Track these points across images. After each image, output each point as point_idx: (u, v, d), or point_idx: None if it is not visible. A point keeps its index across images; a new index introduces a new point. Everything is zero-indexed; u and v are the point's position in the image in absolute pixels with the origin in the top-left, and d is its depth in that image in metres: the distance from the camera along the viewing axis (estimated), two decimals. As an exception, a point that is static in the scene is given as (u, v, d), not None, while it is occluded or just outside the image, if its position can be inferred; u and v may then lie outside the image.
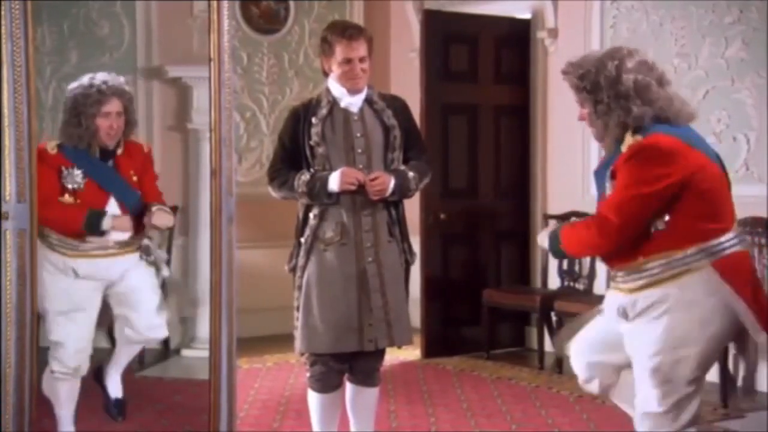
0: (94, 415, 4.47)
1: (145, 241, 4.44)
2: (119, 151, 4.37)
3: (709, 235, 3.24)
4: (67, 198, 4.25)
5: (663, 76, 3.35)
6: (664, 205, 3.21)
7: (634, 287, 3.30)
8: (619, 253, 3.33)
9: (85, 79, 4.31)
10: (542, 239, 3.54)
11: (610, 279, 3.51)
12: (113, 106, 4.29)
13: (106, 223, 4.25)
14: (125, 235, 4.34)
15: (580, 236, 3.39)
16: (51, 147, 4.26)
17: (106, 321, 4.50)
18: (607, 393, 3.59)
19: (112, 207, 4.30)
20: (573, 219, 3.67)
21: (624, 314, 3.34)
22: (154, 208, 4.31)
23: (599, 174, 3.45)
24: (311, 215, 4.01)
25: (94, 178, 4.28)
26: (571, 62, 3.39)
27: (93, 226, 4.23)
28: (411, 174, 4.03)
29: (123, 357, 4.51)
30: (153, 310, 4.43)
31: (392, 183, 3.97)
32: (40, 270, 4.10)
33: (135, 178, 4.38)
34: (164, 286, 5.09)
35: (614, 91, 3.28)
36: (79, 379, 4.32)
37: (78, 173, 4.25)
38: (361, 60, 3.96)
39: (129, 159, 4.39)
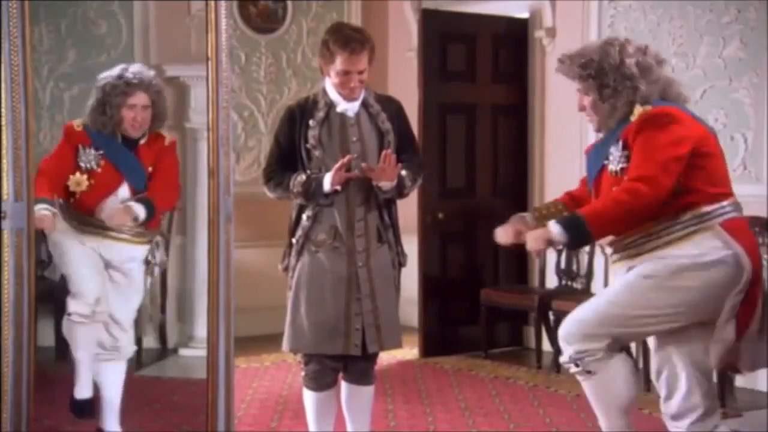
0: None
1: (157, 239, 4.46)
2: (142, 141, 4.41)
3: (714, 198, 3.38)
4: (79, 176, 4.30)
5: (659, 57, 3.54)
6: (689, 158, 3.37)
7: (646, 249, 3.39)
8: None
9: (117, 69, 4.39)
10: (555, 236, 3.43)
11: (612, 253, 3.56)
12: (139, 98, 4.35)
13: (36, 209, 4.17)
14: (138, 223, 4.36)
15: (626, 208, 3.32)
16: (77, 124, 4.37)
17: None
18: (592, 373, 3.58)
19: (123, 191, 4.34)
20: (524, 215, 3.70)
21: (638, 272, 3.43)
22: (119, 206, 4.31)
23: (596, 153, 3.51)
24: (304, 216, 4.01)
25: (111, 159, 4.32)
26: (569, 54, 3.52)
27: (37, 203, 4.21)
28: (404, 172, 4.03)
29: (108, 388, 4.47)
30: (128, 314, 4.44)
31: (401, 172, 3.96)
32: (63, 236, 4.31)
33: (150, 169, 4.41)
34: (164, 284, 5.11)
35: (620, 74, 3.43)
36: (97, 324, 4.35)
37: (94, 153, 4.30)
38: (360, 72, 3.95)
39: (149, 150, 4.43)
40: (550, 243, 3.48)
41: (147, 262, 4.47)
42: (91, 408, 4.45)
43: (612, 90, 3.42)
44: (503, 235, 3.65)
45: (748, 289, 3.39)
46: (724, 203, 3.40)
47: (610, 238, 3.57)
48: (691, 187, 3.36)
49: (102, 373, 4.43)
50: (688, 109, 3.53)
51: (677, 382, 3.52)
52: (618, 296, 3.50)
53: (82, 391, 4.42)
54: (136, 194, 4.35)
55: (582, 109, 3.56)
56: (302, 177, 3.97)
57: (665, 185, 3.31)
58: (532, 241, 3.50)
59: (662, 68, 3.51)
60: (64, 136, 4.40)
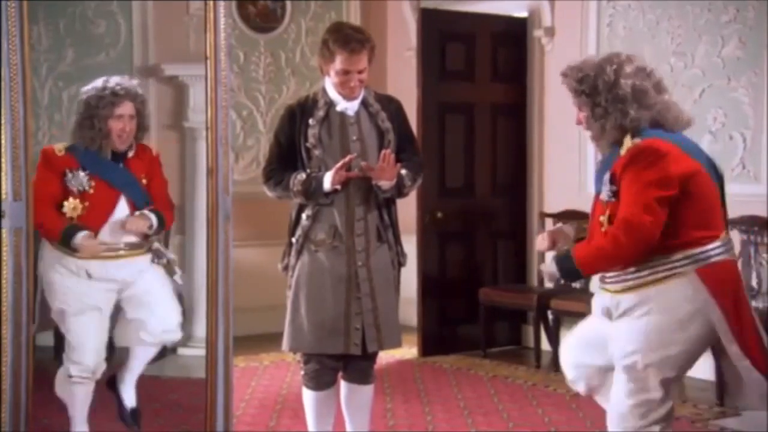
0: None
1: (156, 245, 4.43)
2: (130, 154, 4.34)
3: (697, 242, 3.28)
4: (72, 201, 4.20)
5: (660, 83, 3.39)
6: (675, 198, 3.25)
7: (620, 288, 3.35)
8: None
9: (99, 82, 4.29)
10: (550, 267, 3.46)
11: (599, 280, 3.53)
12: (126, 108, 4.27)
13: (77, 240, 4.13)
14: (135, 237, 4.31)
15: (606, 253, 3.30)
16: (59, 149, 4.24)
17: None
18: (592, 394, 3.61)
19: (122, 207, 4.26)
20: (564, 227, 3.66)
21: (608, 314, 3.40)
22: (135, 213, 4.26)
23: (598, 176, 3.47)
24: (304, 216, 4.01)
25: (104, 177, 4.24)
26: (570, 66, 3.43)
27: (65, 239, 4.15)
28: (404, 171, 4.03)
29: (137, 363, 4.45)
30: (167, 313, 4.39)
31: (401, 171, 3.97)
32: (52, 272, 4.22)
33: (144, 181, 4.35)
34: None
35: (612, 95, 3.31)
36: (94, 382, 4.31)
37: (83, 175, 4.22)
38: (360, 71, 3.95)
39: (139, 161, 4.36)
40: (549, 276, 3.51)
41: (166, 264, 4.42)
42: None
43: (603, 110, 3.32)
44: (541, 242, 3.64)
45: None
46: (710, 246, 3.29)
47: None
48: (675, 231, 3.26)
49: (138, 353, 4.39)
50: (685, 137, 3.39)
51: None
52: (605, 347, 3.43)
53: None
54: (136, 208, 4.28)
55: (578, 123, 3.51)
56: (302, 176, 3.96)
57: (651, 230, 3.23)
58: (545, 269, 3.54)
59: (661, 94, 3.36)
60: (43, 163, 4.17)
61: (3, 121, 3.43)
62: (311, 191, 3.94)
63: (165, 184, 4.48)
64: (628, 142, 3.30)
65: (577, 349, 3.59)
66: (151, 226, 4.28)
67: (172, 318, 4.41)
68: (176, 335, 4.47)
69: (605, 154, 3.41)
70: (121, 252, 4.29)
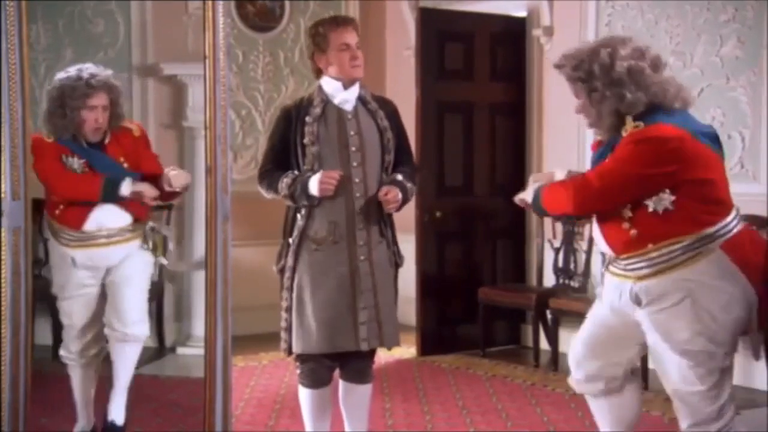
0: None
1: (150, 224, 4.44)
2: (106, 140, 4.35)
3: (714, 218, 3.31)
4: None
5: (657, 60, 3.38)
6: (659, 189, 3.27)
7: (644, 274, 3.33)
8: (627, 241, 3.36)
9: (72, 71, 4.28)
10: (527, 193, 3.55)
11: (608, 265, 3.52)
12: (100, 99, 4.27)
13: (125, 189, 4.22)
14: (126, 221, 4.34)
15: (559, 195, 3.43)
16: (47, 136, 4.27)
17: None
18: (609, 396, 3.58)
19: None
20: (556, 172, 3.70)
21: (637, 301, 3.37)
22: (169, 171, 4.28)
23: (596, 157, 3.49)
24: (299, 215, 4.01)
25: (89, 161, 4.28)
26: (565, 54, 3.43)
27: (109, 194, 4.22)
28: (409, 185, 4.05)
29: (121, 371, 4.43)
30: (134, 305, 4.40)
31: (399, 196, 3.98)
32: (53, 257, 4.35)
33: (126, 165, 4.35)
34: (161, 283, 5.09)
35: (608, 79, 3.31)
36: (91, 367, 4.37)
37: (77, 160, 4.25)
38: (357, 46, 3.98)
39: (117, 146, 4.37)
40: (523, 202, 3.59)
41: (154, 247, 4.42)
42: None
43: (600, 95, 3.32)
44: (521, 195, 3.66)
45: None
46: (727, 220, 3.32)
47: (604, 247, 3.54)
48: (692, 213, 3.28)
49: (117, 353, 4.40)
50: (689, 115, 3.39)
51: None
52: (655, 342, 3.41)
53: (81, 426, 4.41)
54: None
55: (578, 112, 3.51)
56: (288, 179, 3.96)
57: (595, 191, 3.28)
58: (520, 195, 3.61)
59: (660, 72, 3.35)
60: (39, 148, 4.09)
61: (2, 121, 3.43)
62: (297, 195, 3.94)
63: (155, 159, 4.47)
64: (630, 125, 3.31)
65: (597, 348, 3.54)
66: (188, 180, 4.31)
67: (137, 311, 4.41)
68: (138, 329, 4.43)
69: (605, 140, 3.43)
70: (113, 239, 4.32)
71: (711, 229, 3.29)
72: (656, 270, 3.31)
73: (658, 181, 3.26)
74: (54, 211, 4.31)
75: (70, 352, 4.38)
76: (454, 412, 5.32)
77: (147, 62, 6.11)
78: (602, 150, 3.44)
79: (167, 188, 4.29)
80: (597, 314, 3.60)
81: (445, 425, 5.09)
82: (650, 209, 3.28)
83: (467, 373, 6.28)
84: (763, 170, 5.80)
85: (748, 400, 5.45)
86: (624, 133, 3.30)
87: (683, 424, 3.41)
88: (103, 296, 4.40)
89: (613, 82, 3.29)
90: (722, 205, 3.35)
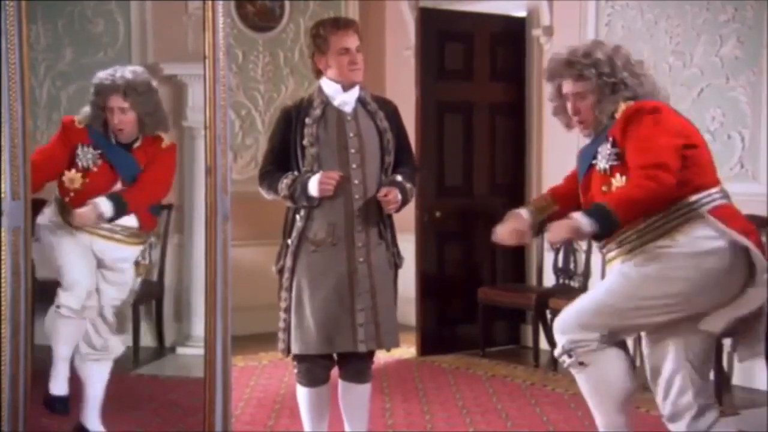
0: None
1: (151, 240, 4.46)
2: (136, 145, 4.40)
3: (701, 187, 3.41)
4: (74, 174, 4.29)
5: (641, 61, 3.63)
6: None
7: (637, 244, 3.42)
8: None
9: (110, 70, 4.37)
10: (583, 226, 3.37)
11: (607, 251, 3.58)
12: (114, 101, 4.31)
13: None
14: (133, 222, 4.36)
15: (647, 192, 3.33)
16: (79, 121, 4.35)
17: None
18: (585, 364, 3.59)
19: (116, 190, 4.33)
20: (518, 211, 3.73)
21: (633, 264, 3.45)
22: (87, 202, 4.28)
23: (585, 154, 3.52)
24: (298, 216, 4.01)
25: (110, 159, 4.31)
26: (568, 53, 3.54)
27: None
28: (408, 186, 4.05)
29: (89, 384, 4.42)
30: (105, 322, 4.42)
31: (399, 197, 3.98)
32: (54, 234, 4.32)
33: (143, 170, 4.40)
34: (161, 283, 5.08)
35: (613, 67, 3.50)
36: (83, 320, 4.33)
37: (92, 153, 4.29)
38: (357, 50, 3.98)
39: (144, 154, 4.41)
40: (577, 233, 3.40)
41: (136, 263, 4.45)
42: (66, 405, 4.38)
43: (619, 82, 3.47)
44: (506, 235, 3.62)
45: None
46: (712, 191, 3.43)
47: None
48: (680, 179, 3.37)
49: (88, 371, 4.38)
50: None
51: (672, 381, 3.52)
52: (614, 287, 3.52)
53: (59, 387, 4.35)
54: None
55: (577, 112, 3.55)
56: (288, 180, 3.96)
57: (676, 171, 3.34)
58: (557, 230, 3.42)
59: (643, 69, 3.59)
60: (61, 130, 4.36)
61: (1, 121, 3.43)
62: (296, 196, 3.94)
63: (158, 169, 4.45)
64: (622, 106, 3.44)
65: (588, 314, 3.57)
66: (101, 215, 4.27)
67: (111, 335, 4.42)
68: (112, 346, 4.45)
69: (592, 138, 3.51)
70: (106, 233, 4.34)
71: (696, 196, 3.39)
72: (649, 237, 3.40)
73: (681, 142, 3.39)
74: (64, 198, 4.34)
75: (71, 307, 4.30)
76: (454, 412, 5.32)
77: (147, 62, 6.10)
78: (590, 147, 3.51)
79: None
80: (589, 293, 3.74)
81: (444, 425, 5.09)
82: None
83: (467, 373, 6.28)
84: (763, 170, 5.79)
85: (748, 400, 5.46)
86: (617, 115, 3.43)
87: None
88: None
89: (618, 68, 3.48)
90: (707, 174, 3.44)
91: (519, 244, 3.73)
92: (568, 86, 3.58)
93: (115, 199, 4.29)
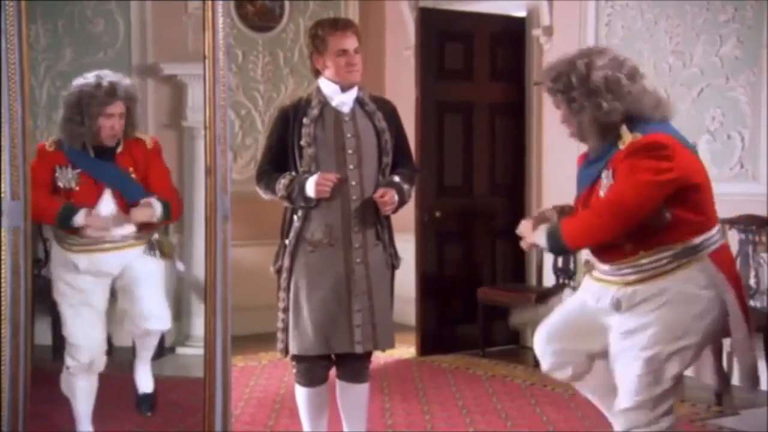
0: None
1: (156, 236, 4.44)
2: (119, 149, 4.36)
3: (704, 228, 3.33)
4: (58, 197, 4.24)
5: (634, 71, 3.40)
6: (666, 198, 3.28)
7: (633, 280, 3.35)
8: (619, 252, 3.37)
9: (91, 77, 4.29)
10: (540, 239, 3.48)
11: (589, 269, 3.54)
12: (117, 107, 4.29)
13: (78, 220, 4.19)
14: (130, 229, 4.33)
15: (590, 224, 3.35)
16: (49, 144, 4.29)
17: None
18: (577, 381, 3.61)
19: (107, 202, 4.28)
20: (556, 209, 3.67)
21: (617, 306, 3.38)
22: (141, 202, 4.29)
23: (586, 170, 3.49)
24: (295, 217, 4.01)
25: (89, 172, 4.27)
26: (544, 69, 3.51)
27: (63, 221, 4.20)
28: (406, 187, 4.05)
29: (142, 351, 4.53)
30: (151, 301, 4.40)
31: (396, 198, 3.98)
32: (55, 263, 4.33)
33: (134, 175, 4.35)
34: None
35: (585, 89, 3.33)
36: (95, 375, 4.34)
37: (71, 173, 4.24)
38: (355, 51, 3.97)
39: (128, 156, 4.37)
40: (536, 245, 3.53)
41: (158, 242, 4.42)
42: None
43: (578, 105, 3.35)
44: (526, 229, 3.63)
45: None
46: (713, 231, 3.36)
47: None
48: (684, 220, 3.30)
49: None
50: (675, 129, 3.41)
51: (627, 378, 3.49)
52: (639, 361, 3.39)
53: None
54: (126, 202, 4.30)
55: (562, 122, 3.54)
56: (286, 180, 3.96)
57: (632, 208, 3.25)
58: (528, 236, 3.54)
59: (636, 82, 3.37)
60: (37, 158, 4.21)
61: (1, 121, 3.43)
62: (294, 196, 3.94)
63: (165, 174, 4.47)
64: (627, 137, 3.31)
65: (561, 336, 3.57)
66: (154, 215, 4.30)
67: (156, 307, 4.42)
68: (160, 324, 4.48)
69: (594, 153, 3.44)
70: (118, 244, 4.32)
71: (700, 239, 3.32)
72: (644, 276, 3.33)
73: (671, 185, 3.27)
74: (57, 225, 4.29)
75: (79, 363, 4.30)
76: (454, 412, 5.32)
77: (147, 62, 6.11)
78: (591, 163, 3.45)
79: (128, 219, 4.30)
80: (565, 309, 3.65)
81: (444, 425, 5.09)
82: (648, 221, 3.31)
83: (467, 373, 6.28)
84: (763, 170, 5.80)
85: (748, 400, 5.46)
86: (622, 146, 3.31)
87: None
88: (111, 304, 4.39)
89: (590, 92, 3.32)
90: (710, 214, 3.37)
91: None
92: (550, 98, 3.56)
93: (164, 203, 4.32)
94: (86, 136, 4.26)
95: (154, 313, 4.43)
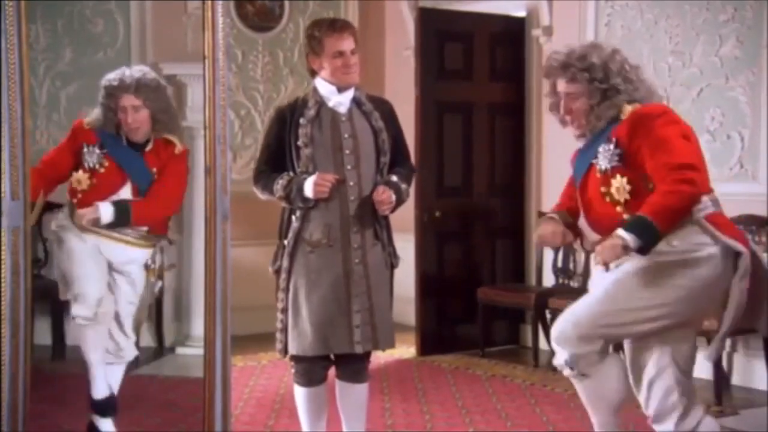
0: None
1: (162, 243, 4.44)
2: (148, 147, 4.38)
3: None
4: (81, 174, 4.30)
5: (639, 68, 3.59)
6: None
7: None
8: (618, 223, 3.40)
9: (120, 70, 4.37)
10: (630, 242, 3.31)
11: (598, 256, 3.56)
12: (126, 100, 4.30)
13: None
14: (143, 227, 4.36)
15: (682, 200, 3.31)
16: (87, 122, 4.35)
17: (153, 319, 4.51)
18: (586, 375, 3.61)
19: (125, 191, 4.32)
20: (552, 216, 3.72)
21: (607, 268, 3.45)
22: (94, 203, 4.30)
23: (582, 155, 3.51)
24: (294, 217, 4.00)
25: (117, 159, 4.31)
26: (564, 52, 3.53)
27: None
28: (403, 186, 4.04)
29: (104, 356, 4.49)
30: (126, 331, 4.44)
31: (393, 198, 3.98)
32: (65, 235, 4.34)
33: (155, 175, 4.37)
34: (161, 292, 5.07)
35: (608, 71, 3.47)
36: (102, 326, 4.34)
37: (98, 153, 4.28)
38: (352, 52, 3.96)
39: (155, 156, 4.39)
40: (625, 251, 3.34)
41: (146, 266, 4.45)
42: (113, 405, 4.43)
43: (611, 87, 3.45)
44: (549, 236, 3.62)
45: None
46: (705, 198, 3.40)
47: (594, 238, 3.58)
48: None
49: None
50: None
51: (657, 381, 3.51)
52: (608, 294, 3.49)
53: (100, 390, 4.38)
54: (138, 194, 4.32)
55: (569, 112, 3.55)
56: (284, 180, 3.96)
57: (701, 169, 3.36)
58: (608, 252, 3.37)
59: (644, 75, 3.58)
60: (70, 132, 4.38)
61: (1, 121, 3.43)
62: (292, 197, 3.94)
63: (170, 182, 4.44)
64: (627, 108, 3.43)
65: (585, 325, 3.56)
66: (96, 220, 4.27)
67: (125, 340, 4.44)
68: (129, 355, 4.49)
69: (593, 135, 3.48)
70: (116, 235, 4.33)
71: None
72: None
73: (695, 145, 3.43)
74: (73, 199, 4.35)
75: (87, 308, 4.32)
76: (454, 412, 5.32)
77: (146, 62, 6.11)
78: (585, 150, 3.49)
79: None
80: (580, 302, 3.68)
81: (444, 425, 5.09)
82: (649, 188, 3.36)
83: (466, 373, 6.28)
84: (763, 170, 5.80)
85: (748, 400, 5.46)
86: (623, 116, 3.42)
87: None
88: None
89: (612, 73, 3.45)
90: (703, 180, 3.42)
91: (563, 244, 3.89)
92: (561, 86, 3.59)
93: (119, 207, 4.30)
94: (111, 126, 4.31)
95: (126, 329, 4.45)
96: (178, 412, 4.73)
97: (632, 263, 3.42)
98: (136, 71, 4.38)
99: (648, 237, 3.29)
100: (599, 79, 3.45)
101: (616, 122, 3.44)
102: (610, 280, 3.50)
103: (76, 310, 4.31)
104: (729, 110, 5.95)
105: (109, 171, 4.30)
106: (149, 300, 4.59)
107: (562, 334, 3.59)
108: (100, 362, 4.37)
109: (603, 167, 3.43)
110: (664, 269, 3.38)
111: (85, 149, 4.29)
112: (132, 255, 4.41)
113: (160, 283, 4.52)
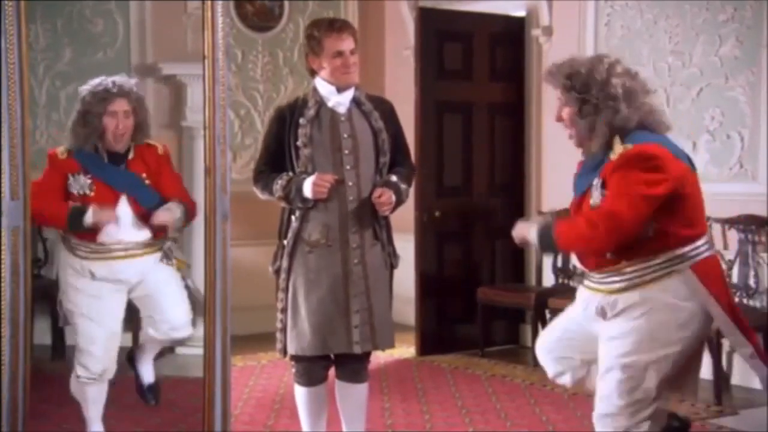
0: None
1: (168, 244, 4.41)
2: (130, 156, 4.32)
3: (688, 239, 3.32)
4: (73, 204, 4.21)
5: (646, 86, 3.43)
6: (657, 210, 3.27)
7: (615, 288, 3.36)
8: (602, 259, 3.38)
9: (96, 80, 4.29)
10: (531, 234, 3.50)
11: (582, 277, 3.56)
12: (119, 105, 4.24)
13: (87, 219, 4.14)
14: (145, 236, 4.30)
15: (584, 233, 3.34)
16: (61, 152, 4.25)
17: (133, 324, 4.50)
18: (579, 386, 3.65)
19: (123, 208, 4.24)
20: (554, 212, 3.67)
21: (602, 313, 3.41)
22: (164, 207, 4.27)
23: (582, 175, 3.48)
24: (293, 217, 4.00)
25: (103, 179, 4.23)
26: (557, 64, 3.46)
27: (73, 221, 4.15)
28: (403, 186, 4.04)
29: (151, 349, 4.54)
30: (177, 310, 4.38)
31: (393, 198, 3.98)
32: (64, 272, 4.27)
33: (147, 182, 4.31)
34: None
35: (604, 93, 3.33)
36: (106, 382, 4.30)
37: (85, 179, 4.21)
38: (351, 52, 3.96)
39: (141, 162, 4.34)
40: (526, 241, 3.55)
41: (167, 257, 4.40)
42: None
43: (593, 107, 3.34)
44: (520, 225, 3.64)
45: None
46: (698, 243, 3.34)
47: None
48: (668, 231, 3.30)
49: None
50: (668, 138, 3.42)
51: (607, 378, 3.49)
52: (625, 358, 3.39)
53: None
54: (141, 208, 4.26)
55: (559, 119, 3.53)
56: (283, 180, 3.96)
57: (629, 223, 3.25)
58: (517, 231, 3.58)
59: (648, 97, 3.40)
60: (49, 165, 4.23)
61: (1, 121, 3.43)
62: (291, 197, 3.94)
63: (177, 178, 4.46)
64: (618, 148, 3.31)
65: (561, 343, 3.61)
66: (174, 218, 4.26)
67: (179, 316, 4.39)
68: (185, 332, 4.45)
69: (589, 157, 3.43)
70: (131, 251, 4.28)
71: (683, 249, 3.31)
72: (628, 285, 3.34)
73: (663, 197, 3.26)
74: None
75: (91, 372, 4.25)
76: (453, 412, 5.33)
77: (146, 62, 6.12)
78: (587, 171, 3.45)
79: (151, 223, 4.27)
80: (562, 318, 3.68)
81: (444, 425, 5.10)
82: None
83: (466, 372, 6.28)
84: (763, 170, 5.80)
85: (747, 400, 5.46)
86: (612, 156, 3.31)
87: None
88: (128, 312, 4.37)
89: (608, 96, 3.32)
90: (697, 225, 3.36)
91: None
92: (555, 91, 3.57)
93: (182, 205, 4.28)
94: (93, 136, 4.22)
95: (180, 322, 4.40)
96: (178, 412, 4.73)
97: (616, 305, 3.37)
98: (125, 79, 4.33)
99: (545, 247, 3.62)
100: (587, 100, 3.34)
101: (607, 156, 3.33)
102: (591, 319, 3.46)
103: (81, 370, 4.24)
104: (729, 110, 5.96)
105: (100, 192, 4.21)
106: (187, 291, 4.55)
107: (542, 360, 3.66)
108: (99, 419, 4.32)
109: (593, 201, 3.41)
110: (647, 317, 3.34)
111: (71, 179, 4.20)
112: (147, 266, 4.33)
113: (190, 282, 4.49)
